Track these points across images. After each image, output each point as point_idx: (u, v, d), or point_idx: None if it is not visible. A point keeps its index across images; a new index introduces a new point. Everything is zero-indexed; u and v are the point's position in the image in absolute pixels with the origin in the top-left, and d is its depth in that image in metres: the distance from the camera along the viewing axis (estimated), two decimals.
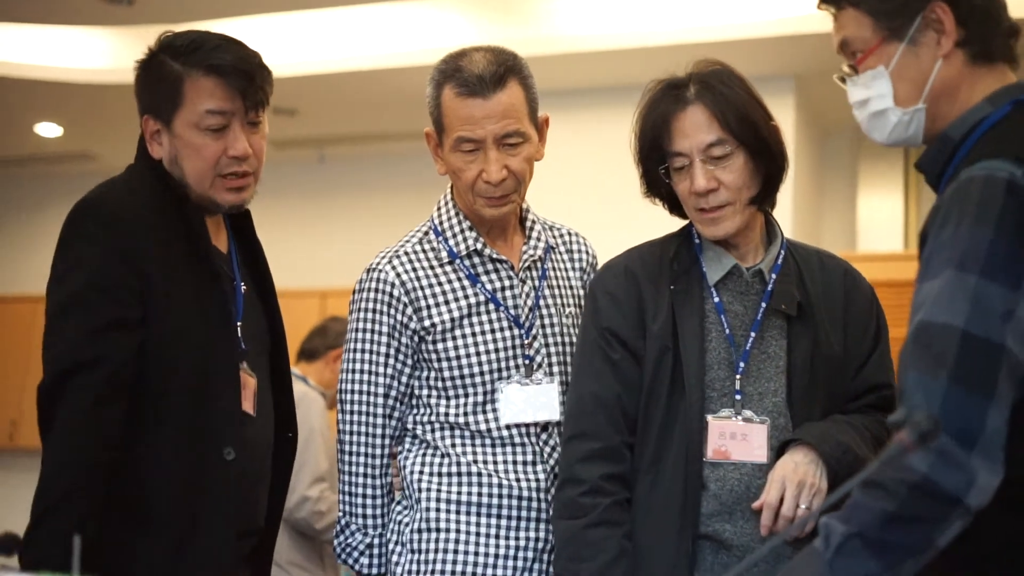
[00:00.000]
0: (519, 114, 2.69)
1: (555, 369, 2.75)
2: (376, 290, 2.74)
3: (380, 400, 2.74)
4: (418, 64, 6.20)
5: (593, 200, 6.82)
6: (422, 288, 2.73)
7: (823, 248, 2.78)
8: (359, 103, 7.89)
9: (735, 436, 2.49)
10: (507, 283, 2.77)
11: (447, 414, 2.73)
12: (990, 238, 1.83)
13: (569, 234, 2.95)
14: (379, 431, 2.75)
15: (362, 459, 2.74)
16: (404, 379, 2.75)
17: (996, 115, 2.03)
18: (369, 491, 2.75)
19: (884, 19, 2.08)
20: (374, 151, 9.01)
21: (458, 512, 2.70)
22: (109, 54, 7.90)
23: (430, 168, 2.84)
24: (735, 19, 6.81)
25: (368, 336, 2.74)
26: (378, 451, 2.75)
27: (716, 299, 2.56)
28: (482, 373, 2.71)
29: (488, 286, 2.75)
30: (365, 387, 2.74)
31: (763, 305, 2.55)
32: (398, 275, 2.74)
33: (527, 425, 2.71)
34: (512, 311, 2.75)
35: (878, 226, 7.89)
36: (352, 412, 2.75)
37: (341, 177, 9.24)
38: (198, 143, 2.59)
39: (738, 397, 2.51)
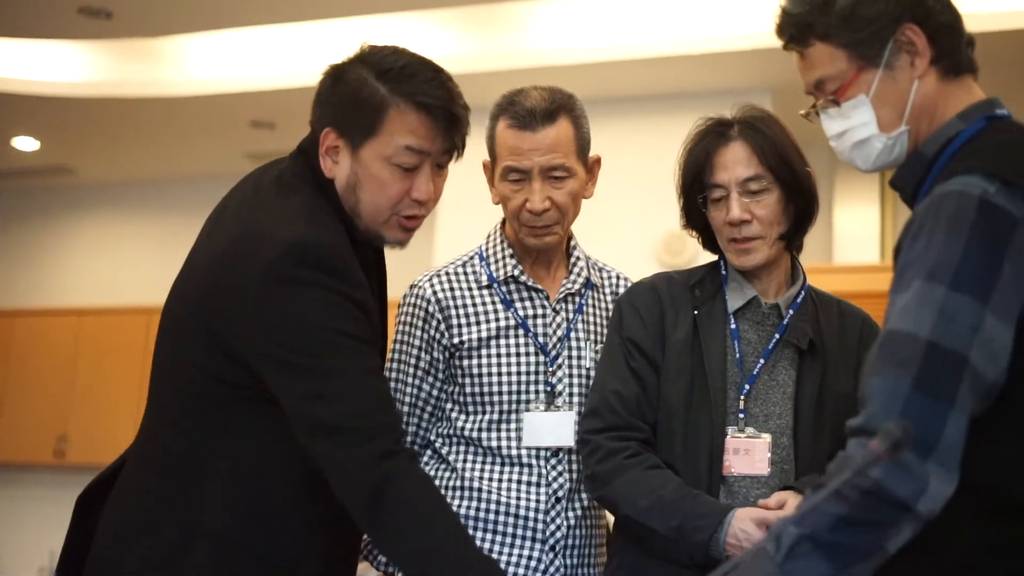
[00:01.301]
0: (566, 149, 2.79)
1: (575, 400, 2.83)
2: (414, 305, 2.85)
3: (405, 409, 2.82)
4: None
5: None
6: (456, 307, 2.83)
7: (802, 262, 2.85)
8: None
9: (738, 451, 2.59)
10: (540, 311, 2.86)
11: (463, 428, 2.81)
12: (961, 251, 1.84)
13: (617, 277, 3.05)
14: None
15: None
16: (429, 389, 2.84)
17: (969, 131, 2.05)
18: None
19: (858, 49, 2.08)
20: None
21: None
22: (87, 67, 7.89)
23: None
24: (712, 32, 6.85)
25: (401, 348, 2.85)
26: None
27: (733, 325, 2.68)
28: (501, 393, 2.79)
29: (521, 312, 2.85)
30: (396, 395, 2.82)
31: (776, 336, 2.67)
32: (435, 292, 2.84)
33: (539, 448, 2.79)
34: (540, 338, 2.84)
35: (854, 238, 7.93)
36: None
37: None
38: (384, 178, 2.35)
39: (742, 416, 2.61)
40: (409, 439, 2.82)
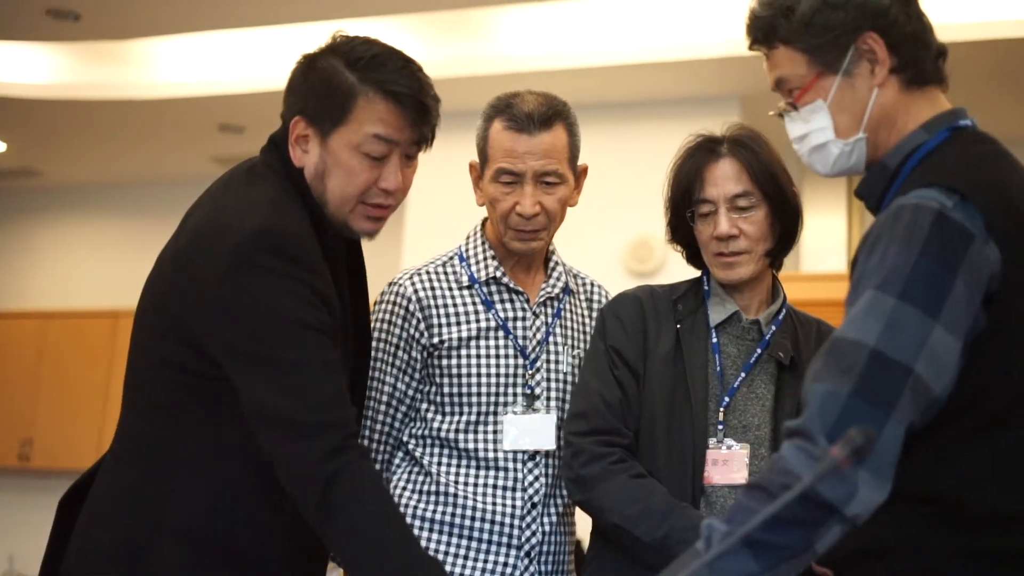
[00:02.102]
0: (560, 156, 2.80)
1: (553, 404, 2.83)
2: (393, 303, 2.84)
3: (382, 407, 2.81)
4: None
5: None
6: (437, 306, 2.83)
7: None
8: None
9: (716, 463, 2.62)
10: (520, 314, 2.87)
11: (440, 429, 2.80)
12: (913, 263, 1.85)
13: (592, 284, 3.06)
14: (375, 435, 2.81)
15: None
16: (405, 388, 2.83)
17: (931, 143, 2.06)
18: None
19: (818, 54, 2.10)
20: None
21: (431, 530, 2.77)
22: (55, 69, 7.85)
23: None
24: (682, 40, 6.87)
25: (378, 345, 2.82)
26: (374, 453, 2.80)
27: (714, 339, 2.71)
28: (479, 394, 2.79)
29: (501, 313, 2.85)
30: (371, 392, 2.80)
31: (758, 351, 2.71)
32: (415, 291, 2.84)
33: (517, 452, 2.79)
34: (520, 341, 2.84)
35: (822, 246, 7.97)
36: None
37: None
38: (353, 166, 2.33)
39: (720, 427, 2.64)
40: (381, 437, 2.81)
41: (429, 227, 7.48)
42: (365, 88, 2.32)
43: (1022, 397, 1.91)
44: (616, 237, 7.30)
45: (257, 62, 7.55)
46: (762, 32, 2.17)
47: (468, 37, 7.20)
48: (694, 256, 2.82)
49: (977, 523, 1.89)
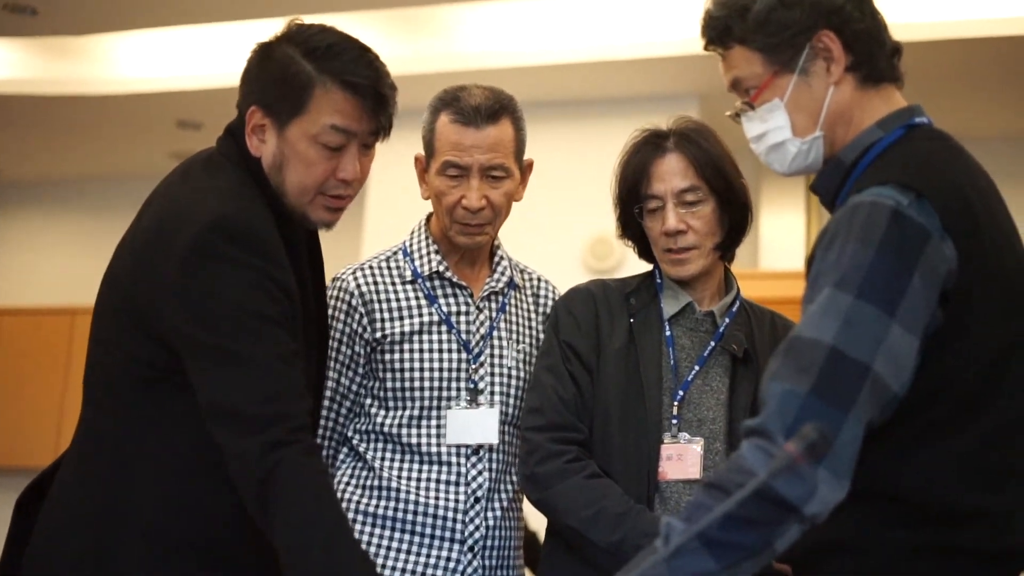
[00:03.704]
0: (506, 150, 2.79)
1: (496, 399, 2.82)
2: (336, 298, 2.82)
3: (325, 403, 2.79)
4: None
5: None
6: (379, 301, 2.82)
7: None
8: None
9: (671, 457, 2.61)
10: (463, 308, 2.85)
11: (383, 424, 2.79)
12: (870, 261, 1.85)
13: (539, 279, 3.04)
14: (320, 431, 2.79)
15: None
16: (348, 384, 2.81)
17: (887, 140, 2.07)
18: None
19: (773, 53, 2.10)
20: None
21: (373, 525, 2.75)
22: (12, 64, 7.78)
23: None
24: (640, 38, 6.89)
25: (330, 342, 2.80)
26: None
27: (668, 332, 2.71)
28: (423, 388, 2.78)
29: (444, 308, 2.84)
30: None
31: (712, 344, 2.70)
32: (358, 285, 2.83)
33: (460, 446, 2.78)
34: (463, 335, 2.83)
35: (780, 244, 8.02)
36: None
37: None
38: (310, 157, 2.31)
39: (675, 421, 2.64)
40: (325, 433, 2.79)
41: (389, 220, 7.47)
42: (322, 78, 2.29)
43: (978, 394, 1.92)
44: (575, 234, 7.31)
45: (215, 58, 7.53)
46: (717, 32, 2.18)
47: (423, 34, 7.20)
48: (645, 251, 2.82)
49: (936, 519, 1.90)
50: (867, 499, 1.89)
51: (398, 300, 2.83)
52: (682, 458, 2.60)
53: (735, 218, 2.73)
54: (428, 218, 2.94)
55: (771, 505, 1.78)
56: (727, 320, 2.74)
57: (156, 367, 2.23)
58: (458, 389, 2.80)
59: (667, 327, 2.71)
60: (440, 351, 2.80)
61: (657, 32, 6.81)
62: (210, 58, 7.55)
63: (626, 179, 2.75)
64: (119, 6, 6.77)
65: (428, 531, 2.74)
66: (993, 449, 1.93)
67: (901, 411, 1.90)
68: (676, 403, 2.65)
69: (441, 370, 2.79)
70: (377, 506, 2.76)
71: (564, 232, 7.25)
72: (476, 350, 2.82)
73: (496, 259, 2.95)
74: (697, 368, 2.68)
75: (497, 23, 7.13)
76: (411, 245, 2.91)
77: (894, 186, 1.92)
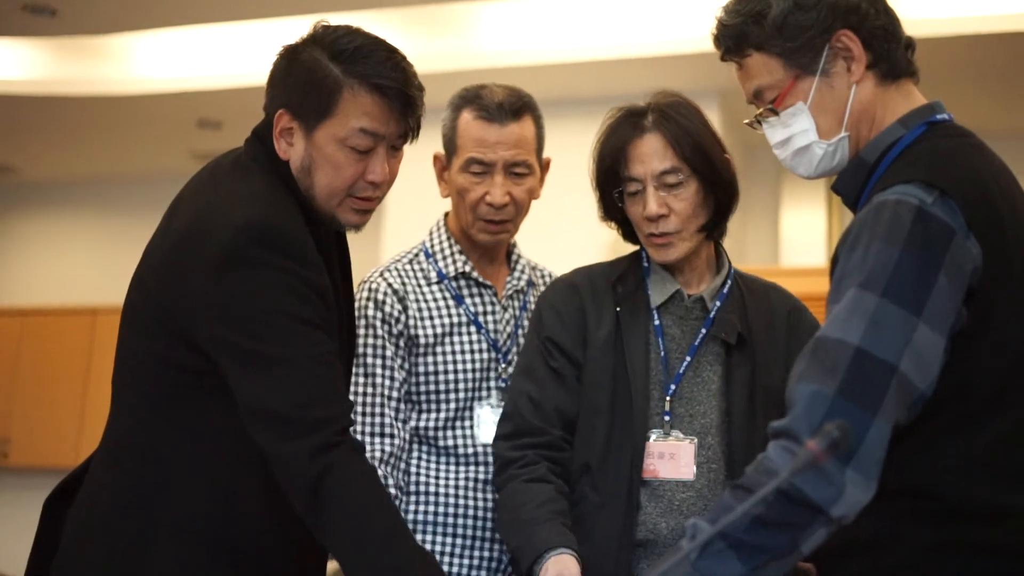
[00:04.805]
0: (529, 147, 2.82)
1: None
2: (369, 300, 2.79)
3: (379, 401, 2.73)
4: None
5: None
6: (411, 301, 2.80)
7: (749, 264, 2.84)
8: None
9: (663, 455, 2.54)
10: (489, 308, 2.86)
11: (417, 427, 2.78)
12: (895, 261, 1.85)
13: (550, 276, 3.04)
14: (386, 429, 2.73)
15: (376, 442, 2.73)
16: (402, 378, 2.77)
17: (909, 137, 2.06)
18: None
19: (793, 57, 2.10)
20: None
21: (414, 531, 2.73)
22: (30, 65, 7.80)
23: None
24: (659, 36, 6.88)
25: (365, 342, 2.76)
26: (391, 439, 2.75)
27: (657, 322, 2.62)
28: (456, 391, 2.78)
29: (472, 308, 2.84)
30: (370, 387, 2.74)
31: (703, 331, 2.62)
32: (390, 284, 2.81)
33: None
34: (492, 335, 2.83)
35: (801, 241, 7.98)
36: (363, 414, 2.74)
37: None
38: (339, 160, 2.30)
39: (667, 418, 2.56)
40: (387, 442, 2.73)
41: (409, 221, 7.46)
42: (350, 81, 2.29)
43: (1001, 391, 1.92)
44: (595, 233, 7.24)
45: (235, 57, 7.53)
46: (733, 40, 2.16)
47: (440, 32, 7.19)
48: (630, 234, 2.72)
49: (958, 516, 1.89)
50: (887, 496, 1.88)
51: (427, 301, 2.82)
52: (675, 457, 2.54)
53: (720, 197, 2.63)
54: (446, 217, 2.93)
55: (798, 506, 1.78)
56: (718, 303, 2.65)
57: (188, 370, 2.24)
58: (488, 388, 2.80)
59: (655, 316, 2.63)
60: (471, 352, 2.80)
61: (676, 29, 6.80)
62: (230, 57, 7.56)
63: (604, 161, 2.65)
64: (138, 6, 6.78)
65: (470, 532, 2.75)
66: (1021, 446, 1.92)
67: (928, 407, 1.89)
68: (668, 398, 2.58)
69: (474, 371, 2.79)
70: (416, 511, 2.75)
71: (584, 231, 7.20)
72: (504, 348, 2.82)
73: (515, 258, 2.95)
74: (688, 359, 2.60)
75: (514, 21, 7.11)
76: (432, 246, 2.90)
77: (918, 184, 1.91)
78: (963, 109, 6.76)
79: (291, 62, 2.35)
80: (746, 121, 2.24)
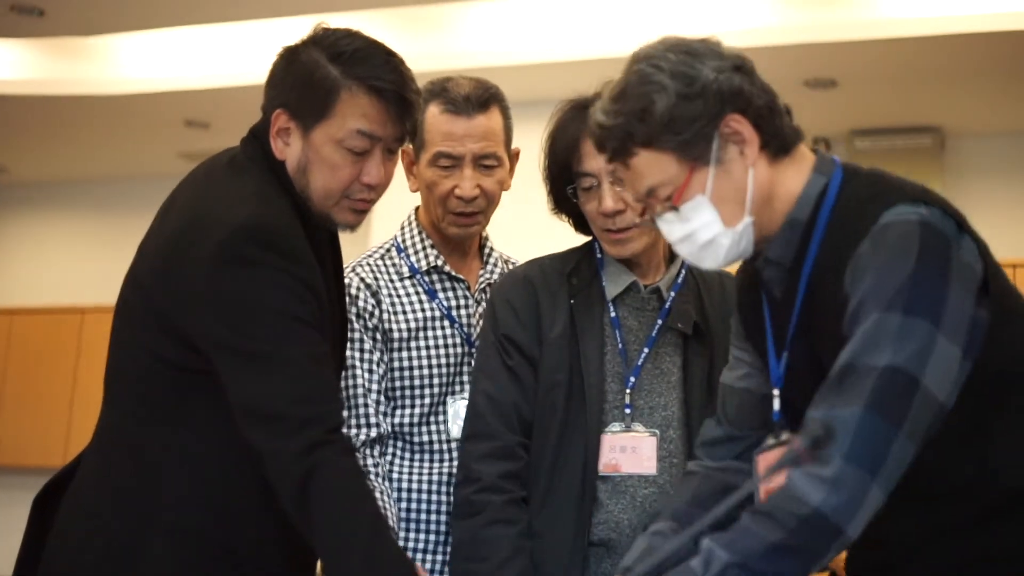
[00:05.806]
0: (497, 139, 2.78)
1: None
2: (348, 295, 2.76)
3: (361, 400, 2.71)
4: None
5: (508, 210, 6.84)
6: (384, 295, 2.78)
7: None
8: None
9: (625, 449, 2.51)
10: (462, 301, 2.83)
11: (391, 424, 2.75)
12: (910, 272, 1.85)
13: None
14: (366, 428, 2.72)
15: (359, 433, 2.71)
16: (380, 374, 2.74)
17: (835, 182, 2.04)
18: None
19: (685, 150, 2.00)
20: None
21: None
22: (19, 65, 7.80)
23: None
24: (642, 37, 6.87)
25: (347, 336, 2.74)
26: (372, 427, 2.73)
27: (613, 314, 2.58)
28: (431, 385, 2.76)
29: (444, 302, 2.81)
30: (350, 380, 2.72)
31: (659, 322, 2.58)
32: (362, 279, 2.79)
33: None
34: (465, 329, 2.81)
35: None
36: (346, 407, 2.72)
37: None
38: (336, 161, 2.30)
39: (628, 411, 2.54)
40: (373, 430, 2.72)
41: (398, 219, 7.48)
42: (348, 83, 2.29)
43: (1006, 388, 1.95)
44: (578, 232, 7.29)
45: (223, 57, 7.53)
46: (619, 141, 2.05)
47: (424, 33, 7.20)
48: (582, 225, 2.67)
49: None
50: (901, 498, 1.88)
51: (399, 296, 2.80)
52: (636, 451, 2.50)
53: None
54: (416, 212, 2.92)
55: (819, 533, 1.79)
56: (673, 294, 2.61)
57: (181, 367, 2.24)
58: (462, 383, 2.78)
59: (611, 308, 2.59)
60: (445, 346, 2.78)
61: (659, 30, 6.78)
62: (217, 57, 7.56)
63: (556, 155, 2.59)
64: (126, 6, 6.78)
65: (443, 528, 2.72)
66: None
67: (966, 403, 1.90)
68: (628, 391, 2.54)
69: (448, 365, 2.77)
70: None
71: (568, 230, 7.24)
72: (477, 342, 2.78)
73: (486, 251, 2.94)
74: (647, 350, 2.56)
75: (505, 22, 7.13)
76: (403, 240, 2.89)
77: (906, 203, 1.92)
78: (964, 109, 6.81)
79: (290, 62, 2.35)
80: (637, 222, 2.18)
